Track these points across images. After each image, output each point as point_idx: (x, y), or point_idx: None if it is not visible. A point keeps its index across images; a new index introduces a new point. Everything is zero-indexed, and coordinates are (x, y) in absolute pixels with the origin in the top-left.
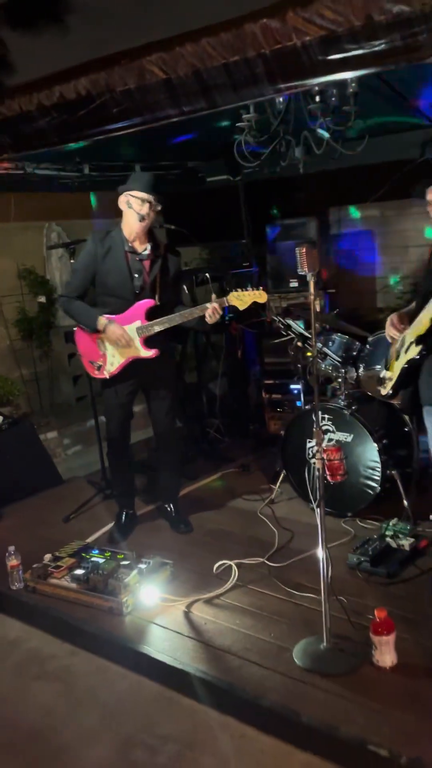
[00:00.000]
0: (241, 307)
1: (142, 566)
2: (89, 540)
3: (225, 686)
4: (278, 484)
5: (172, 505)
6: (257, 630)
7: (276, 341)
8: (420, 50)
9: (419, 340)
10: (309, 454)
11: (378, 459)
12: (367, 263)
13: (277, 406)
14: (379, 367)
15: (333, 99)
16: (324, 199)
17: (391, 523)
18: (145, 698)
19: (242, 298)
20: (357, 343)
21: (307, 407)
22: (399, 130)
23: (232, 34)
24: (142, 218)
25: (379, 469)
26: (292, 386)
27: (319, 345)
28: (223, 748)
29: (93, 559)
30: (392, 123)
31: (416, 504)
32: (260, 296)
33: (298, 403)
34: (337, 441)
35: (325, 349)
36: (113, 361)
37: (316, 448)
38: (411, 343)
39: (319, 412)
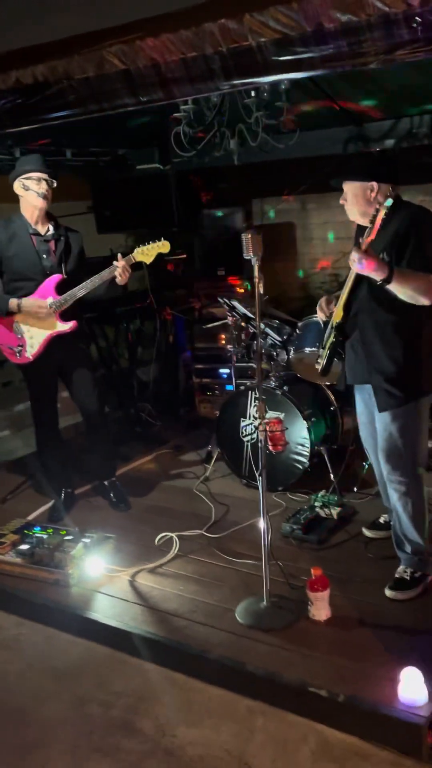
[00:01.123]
0: (148, 261)
1: (86, 540)
2: (29, 518)
3: (173, 644)
4: (212, 462)
5: (108, 484)
6: (201, 594)
7: (209, 326)
8: (364, 56)
9: (336, 326)
10: (242, 432)
11: (307, 436)
12: (289, 254)
13: (207, 389)
14: (308, 350)
15: (265, 95)
16: (250, 190)
17: (320, 495)
18: (96, 661)
19: (147, 252)
20: (287, 327)
21: (241, 388)
22: (327, 126)
23: (191, 32)
24: (43, 196)
25: (308, 446)
26: (222, 370)
27: (263, 325)
28: (173, 700)
29: (36, 535)
30: (321, 118)
31: (342, 477)
32: (164, 247)
33: (228, 387)
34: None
35: (267, 329)
36: (33, 343)
37: (258, 420)
38: (332, 329)
39: (257, 390)
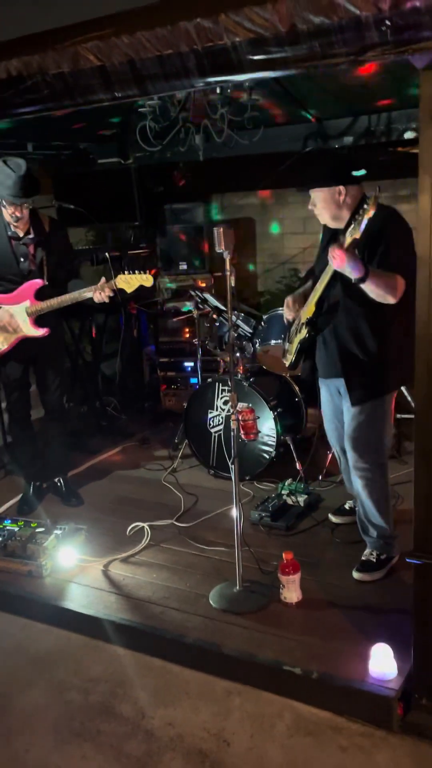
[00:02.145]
0: (129, 290)
1: (58, 531)
2: None
3: (149, 630)
4: (180, 453)
5: (62, 480)
6: (174, 581)
7: (177, 319)
8: (335, 57)
9: (308, 322)
10: (210, 424)
11: (273, 426)
12: (248, 249)
13: (172, 383)
14: (273, 342)
15: (229, 91)
16: (210, 185)
17: (286, 483)
18: (72, 649)
19: (129, 281)
20: (252, 320)
21: (208, 380)
22: (287, 123)
23: (167, 30)
24: (17, 219)
25: (274, 436)
26: (186, 364)
27: (234, 317)
28: (151, 684)
29: (8, 528)
30: (281, 115)
31: (306, 466)
32: (147, 280)
33: (192, 380)
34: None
35: (239, 321)
36: (2, 340)
37: (231, 411)
38: (302, 325)
39: (229, 381)
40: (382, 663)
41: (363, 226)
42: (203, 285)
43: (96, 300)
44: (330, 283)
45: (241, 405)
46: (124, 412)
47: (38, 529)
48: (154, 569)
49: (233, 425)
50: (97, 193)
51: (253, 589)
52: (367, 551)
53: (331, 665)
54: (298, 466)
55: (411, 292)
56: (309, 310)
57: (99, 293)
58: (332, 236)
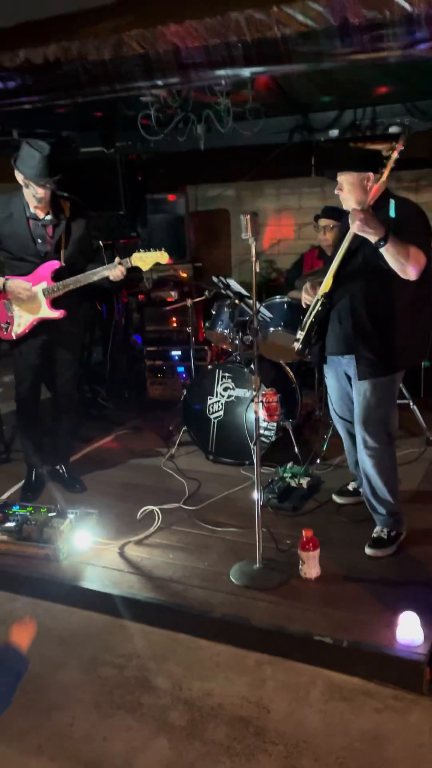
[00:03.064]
0: (144, 268)
1: (71, 516)
2: (2, 498)
3: (175, 607)
4: (178, 440)
5: (64, 467)
6: (191, 561)
7: (170, 308)
8: (383, 51)
9: (324, 296)
10: (209, 410)
11: None
12: (223, 240)
13: (158, 372)
14: (272, 329)
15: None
16: (190, 175)
17: (288, 467)
18: (97, 628)
19: (144, 259)
20: (248, 308)
21: (209, 367)
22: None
23: (216, 21)
24: (39, 200)
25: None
26: (173, 353)
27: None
28: (182, 659)
29: (19, 513)
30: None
31: (305, 450)
32: (162, 257)
33: (179, 369)
34: (237, 397)
35: (262, 308)
36: (20, 322)
37: (255, 393)
38: (317, 301)
39: (254, 365)
40: (410, 630)
41: (386, 173)
42: (184, 275)
43: (112, 278)
44: (347, 254)
45: (237, 392)
46: (111, 400)
47: (51, 514)
48: (169, 550)
49: (255, 407)
50: (81, 182)
51: (272, 566)
52: (377, 529)
53: (358, 634)
54: (296, 450)
55: (428, 270)
56: (326, 285)
57: (116, 271)
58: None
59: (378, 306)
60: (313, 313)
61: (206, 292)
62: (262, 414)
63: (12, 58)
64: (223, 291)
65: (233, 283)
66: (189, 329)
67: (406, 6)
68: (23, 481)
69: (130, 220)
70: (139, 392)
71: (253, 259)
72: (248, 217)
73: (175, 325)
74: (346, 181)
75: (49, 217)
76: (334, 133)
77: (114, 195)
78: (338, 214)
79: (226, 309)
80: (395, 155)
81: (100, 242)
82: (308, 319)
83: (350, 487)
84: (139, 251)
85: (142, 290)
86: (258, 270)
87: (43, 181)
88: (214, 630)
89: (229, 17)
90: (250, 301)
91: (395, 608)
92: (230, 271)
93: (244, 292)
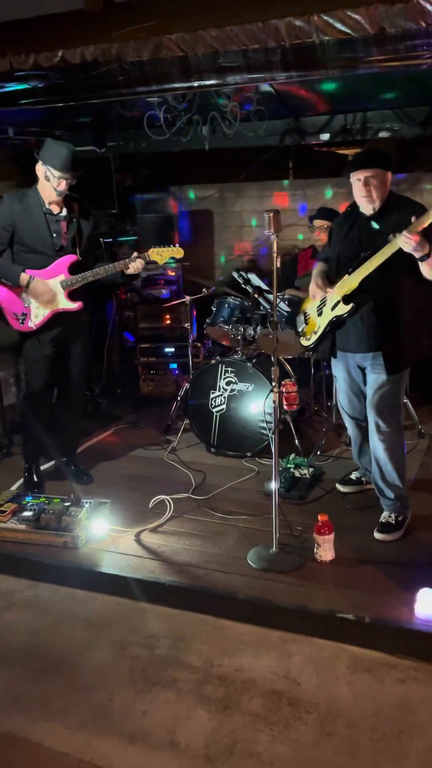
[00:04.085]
0: (160, 262)
1: (86, 504)
2: (12, 489)
3: (199, 589)
4: (180, 433)
5: (71, 459)
6: (208, 547)
7: (168, 305)
8: (418, 58)
9: (347, 299)
10: (212, 404)
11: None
12: (207, 239)
13: (151, 368)
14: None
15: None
16: (178, 176)
17: (291, 458)
18: (122, 611)
19: (161, 254)
20: (248, 304)
21: (212, 362)
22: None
23: (256, 27)
24: (59, 193)
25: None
26: (167, 350)
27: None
28: (209, 638)
29: (34, 503)
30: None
31: (305, 442)
32: (177, 252)
33: (172, 365)
34: (239, 391)
35: (282, 304)
36: (38, 313)
37: (275, 383)
38: (338, 302)
39: (272, 358)
40: (428, 605)
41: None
42: (173, 274)
43: (132, 271)
44: (383, 264)
45: (240, 386)
46: (104, 396)
47: (66, 503)
48: (185, 537)
49: (275, 398)
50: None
51: (288, 551)
52: (385, 514)
53: (378, 611)
54: (296, 442)
55: None
56: (349, 287)
57: (137, 263)
58: (354, 222)
59: (402, 305)
60: (334, 314)
61: (204, 290)
62: (283, 403)
63: (50, 58)
64: (243, 285)
65: (254, 278)
66: (187, 325)
67: None
68: (21, 480)
69: (123, 218)
70: (131, 388)
71: (275, 255)
72: (271, 214)
73: (168, 322)
74: (378, 178)
75: (63, 213)
76: (325, 136)
77: (108, 194)
78: (332, 215)
79: (226, 305)
80: None
81: (101, 240)
82: (326, 318)
83: (353, 476)
84: (155, 247)
85: (135, 288)
86: (279, 265)
87: (68, 175)
88: (238, 611)
89: (269, 24)
90: (270, 296)
91: (410, 587)
92: (213, 271)
93: (264, 286)
